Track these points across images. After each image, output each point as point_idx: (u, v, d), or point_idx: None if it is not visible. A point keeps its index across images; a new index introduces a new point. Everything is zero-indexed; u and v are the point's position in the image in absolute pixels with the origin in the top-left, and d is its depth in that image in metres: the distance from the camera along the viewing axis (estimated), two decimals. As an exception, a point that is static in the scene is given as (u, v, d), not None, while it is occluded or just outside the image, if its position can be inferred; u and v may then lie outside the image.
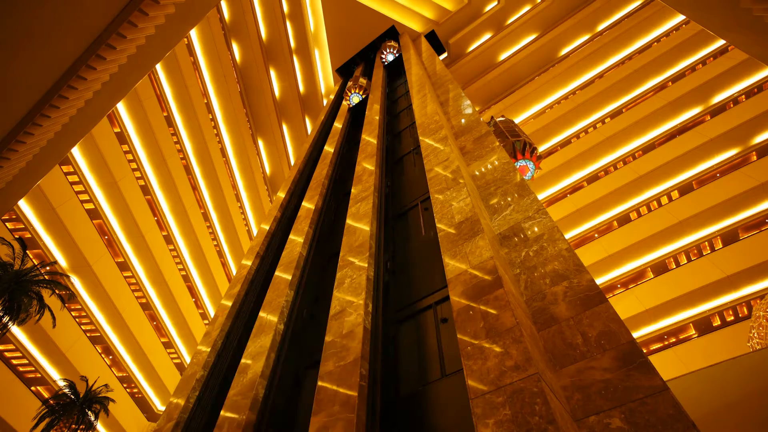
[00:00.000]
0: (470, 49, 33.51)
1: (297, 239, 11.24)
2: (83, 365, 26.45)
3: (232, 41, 32.81)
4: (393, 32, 32.03)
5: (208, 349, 9.58)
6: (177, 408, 8.29)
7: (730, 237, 20.03)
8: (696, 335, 19.16)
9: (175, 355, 35.15)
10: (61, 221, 24.66)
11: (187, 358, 35.31)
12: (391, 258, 8.52)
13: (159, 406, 33.21)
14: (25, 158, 12.00)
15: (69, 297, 21.11)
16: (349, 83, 23.16)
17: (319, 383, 5.66)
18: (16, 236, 22.86)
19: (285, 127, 37.20)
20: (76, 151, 24.93)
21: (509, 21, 32.28)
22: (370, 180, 10.72)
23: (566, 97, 29.52)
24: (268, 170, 40.67)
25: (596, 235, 24.01)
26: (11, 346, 23.98)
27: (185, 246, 34.39)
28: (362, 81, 22.68)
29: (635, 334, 20.07)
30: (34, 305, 19.19)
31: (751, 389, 5.94)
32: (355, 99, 22.16)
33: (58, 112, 11.05)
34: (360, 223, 9.01)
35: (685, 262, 20.82)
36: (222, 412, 6.91)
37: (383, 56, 26.16)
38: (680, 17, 26.01)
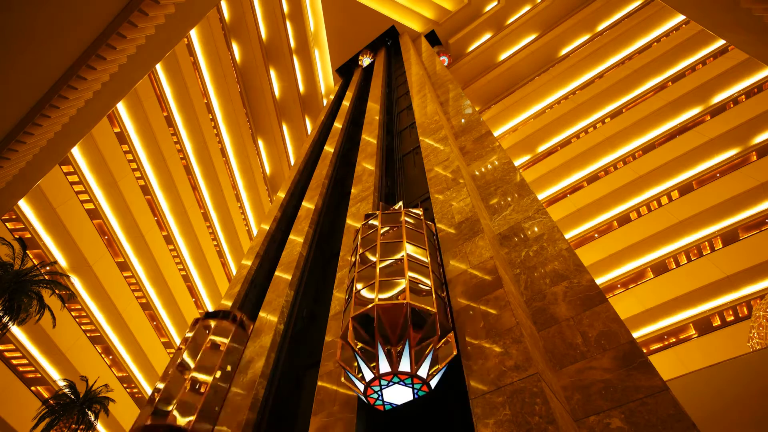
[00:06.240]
0: (470, 49, 33.51)
1: (297, 239, 11.24)
2: (83, 365, 26.44)
3: (232, 41, 32.80)
4: (393, 32, 32.03)
5: (208, 349, 9.56)
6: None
7: (730, 237, 20.02)
8: (696, 335, 19.15)
9: (175, 355, 35.13)
10: (61, 221, 24.65)
11: (187, 358, 35.24)
12: (391, 258, 8.50)
13: (159, 406, 33.17)
14: (25, 158, 12.00)
15: (69, 297, 21.08)
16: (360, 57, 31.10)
17: (319, 383, 5.66)
18: (16, 236, 22.84)
19: (285, 127, 37.20)
20: (76, 151, 24.92)
21: (509, 21, 32.28)
22: (370, 180, 10.72)
23: (566, 97, 29.50)
24: (268, 170, 40.67)
25: (596, 235, 24.00)
26: (11, 346, 23.97)
27: (185, 246, 34.38)
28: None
29: (635, 334, 20.06)
30: (34, 305, 19.17)
31: (751, 389, 5.94)
32: (366, 61, 30.38)
33: (58, 112, 11.05)
34: (360, 223, 9.00)
35: (685, 262, 20.80)
36: (222, 410, 6.91)
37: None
38: (680, 17, 26.00)
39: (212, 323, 7.90)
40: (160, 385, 6.87)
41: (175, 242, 33.34)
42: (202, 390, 6.79)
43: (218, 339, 7.67)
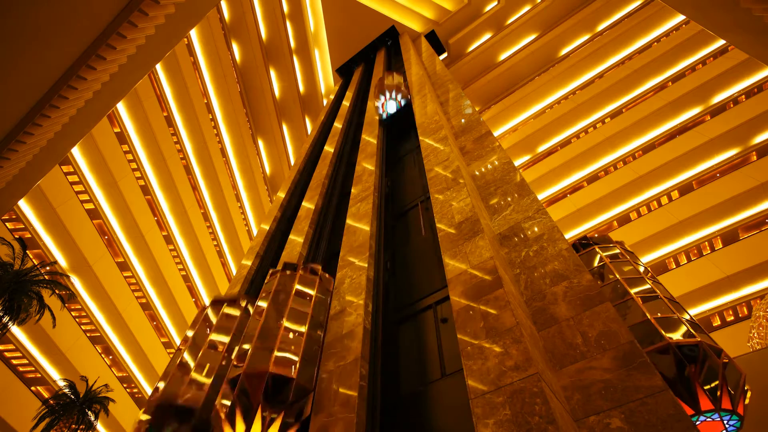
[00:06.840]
0: (470, 49, 33.51)
1: (297, 239, 11.24)
2: (83, 365, 26.43)
3: (232, 41, 32.80)
4: (393, 32, 32.03)
5: (208, 349, 9.56)
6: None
7: (730, 237, 20.02)
8: (696, 335, 19.15)
9: (175, 355, 35.13)
10: (61, 221, 24.64)
11: (187, 358, 35.23)
12: (391, 258, 8.51)
13: (159, 406, 33.16)
14: (25, 158, 12.00)
15: (69, 297, 21.07)
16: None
17: (319, 383, 5.66)
18: (16, 236, 22.84)
19: (285, 127, 37.20)
20: (76, 151, 24.91)
21: (509, 21, 32.28)
22: (370, 180, 10.72)
23: (566, 97, 29.50)
24: (268, 170, 40.67)
25: (596, 235, 24.00)
26: (11, 346, 23.97)
27: (185, 246, 34.37)
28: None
29: (635, 334, 20.02)
30: (34, 305, 19.16)
31: (751, 389, 5.95)
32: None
33: (58, 112, 11.05)
34: (360, 223, 9.01)
35: (685, 262, 20.80)
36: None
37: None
38: (680, 17, 26.00)
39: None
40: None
41: (175, 242, 33.33)
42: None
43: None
